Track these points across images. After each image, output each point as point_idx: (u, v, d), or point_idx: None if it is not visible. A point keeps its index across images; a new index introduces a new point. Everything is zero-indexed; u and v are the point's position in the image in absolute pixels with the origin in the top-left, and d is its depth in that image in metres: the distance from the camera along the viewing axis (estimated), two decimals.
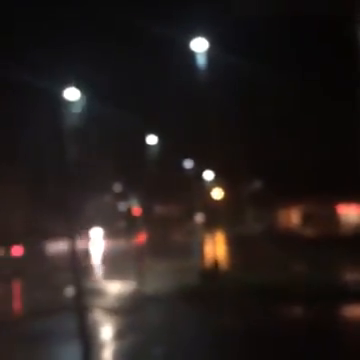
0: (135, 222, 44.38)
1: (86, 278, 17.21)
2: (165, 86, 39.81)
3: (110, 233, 50.52)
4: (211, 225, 31.92)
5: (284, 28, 33.78)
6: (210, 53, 23.48)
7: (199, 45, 23.29)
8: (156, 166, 45.28)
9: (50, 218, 40.71)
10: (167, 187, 55.04)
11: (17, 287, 25.27)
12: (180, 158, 55.69)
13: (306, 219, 43.55)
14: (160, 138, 44.02)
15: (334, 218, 41.93)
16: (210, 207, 37.25)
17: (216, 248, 26.69)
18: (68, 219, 10.42)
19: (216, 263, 23.85)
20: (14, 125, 43.79)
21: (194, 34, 23.26)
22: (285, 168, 39.91)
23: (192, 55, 23.27)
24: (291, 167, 39.52)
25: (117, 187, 55.61)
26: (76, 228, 10.29)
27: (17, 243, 30.37)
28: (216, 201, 43.81)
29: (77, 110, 24.65)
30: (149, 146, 43.62)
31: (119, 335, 14.41)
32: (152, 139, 42.95)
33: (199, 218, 64.74)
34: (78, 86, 24.83)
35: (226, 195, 60.14)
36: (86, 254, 29.35)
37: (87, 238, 40.05)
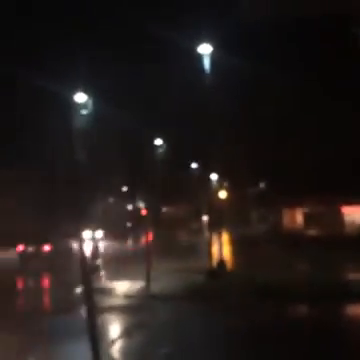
0: (142, 222, 44.60)
1: (95, 277, 17.49)
2: (171, 89, 40.08)
3: (117, 233, 50.75)
4: (216, 225, 32.03)
5: (286, 30, 34.02)
6: (214, 56, 23.69)
7: (203, 49, 23.50)
8: (163, 168, 45.48)
9: (61, 218, 41.17)
10: (173, 188, 55.27)
11: (46, 281, 27.25)
12: (186, 160, 55.94)
13: (310, 219, 43.60)
14: (166, 140, 44.26)
15: (338, 218, 41.96)
16: (215, 208, 37.36)
17: (221, 248, 26.86)
18: (77, 219, 10.68)
19: (222, 263, 24.06)
20: (26, 128, 44.18)
21: (198, 38, 23.50)
22: (289, 169, 40.01)
23: (197, 58, 23.50)
24: (295, 168, 39.63)
25: (124, 188, 55.87)
26: (85, 228, 10.59)
27: (46, 241, 32.34)
28: (221, 202, 43.97)
29: (86, 113, 24.89)
30: (156, 148, 43.85)
31: (127, 333, 14.57)
32: (159, 141, 43.20)
33: (205, 218, 64.93)
34: (87, 90, 25.13)
35: (231, 196, 60.31)
36: (95, 253, 29.93)
37: (94, 238, 40.60)
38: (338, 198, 40.26)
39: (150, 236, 32.44)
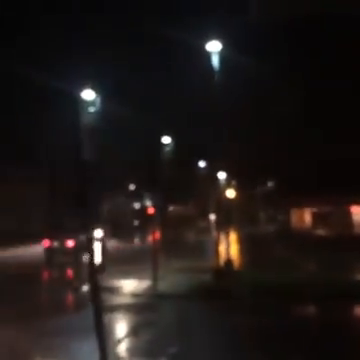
0: (149, 221, 44.57)
1: (102, 275, 17.48)
2: (180, 87, 40.04)
3: (124, 231, 50.74)
4: (224, 225, 31.96)
5: (296, 29, 33.89)
6: (224, 55, 23.60)
7: (212, 46, 23.40)
8: (170, 166, 45.43)
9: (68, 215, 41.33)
10: (181, 187, 55.24)
11: (66, 275, 28.35)
12: (194, 158, 55.89)
13: (318, 219, 43.46)
14: (174, 138, 44.20)
15: (346, 218, 41.80)
16: (223, 207, 37.28)
17: (229, 247, 26.77)
18: (85, 217, 10.60)
19: (229, 262, 23.97)
20: (34, 125, 44.31)
21: (208, 36, 23.40)
22: (297, 168, 39.87)
23: (206, 57, 23.40)
24: (303, 167, 39.49)
25: (132, 186, 55.89)
26: (92, 226, 10.50)
27: (70, 237, 33.48)
28: (229, 201, 43.88)
29: (94, 111, 24.83)
30: (164, 146, 43.79)
31: (134, 332, 14.55)
32: (167, 139, 43.13)
33: (212, 217, 64.88)
34: (95, 87, 25.03)
35: (239, 195, 60.21)
36: (103, 251, 30.21)
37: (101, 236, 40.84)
38: (347, 198, 40.09)
39: (157, 235, 32.37)
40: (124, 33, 37.53)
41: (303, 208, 44.94)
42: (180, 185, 54.62)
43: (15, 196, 51.94)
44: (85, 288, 20.79)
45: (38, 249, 37.12)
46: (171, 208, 63.58)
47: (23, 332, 14.61)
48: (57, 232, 34.41)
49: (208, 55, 23.22)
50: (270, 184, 61.73)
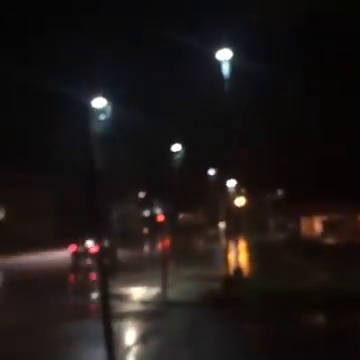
0: (159, 228, 44.63)
1: (112, 283, 17.53)
2: (190, 95, 40.13)
3: (133, 239, 50.77)
4: (234, 233, 31.93)
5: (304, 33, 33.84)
6: (234, 62, 23.64)
7: (223, 54, 23.45)
8: (180, 174, 45.46)
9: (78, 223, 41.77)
10: (190, 194, 55.22)
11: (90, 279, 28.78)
12: (204, 166, 55.90)
13: (328, 227, 43.30)
14: (184, 146, 44.28)
15: (356, 226, 41.63)
16: (233, 215, 37.23)
17: (238, 255, 26.76)
18: (96, 225, 10.65)
19: (238, 270, 23.94)
20: (45, 133, 44.57)
21: (218, 44, 23.46)
22: (307, 176, 39.78)
23: (217, 64, 23.45)
24: (313, 175, 39.40)
25: (142, 194, 55.94)
26: (103, 234, 10.56)
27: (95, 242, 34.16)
28: (239, 209, 43.83)
29: (104, 119, 25.00)
30: (174, 154, 43.87)
31: (143, 340, 14.56)
32: (177, 147, 43.22)
33: (222, 225, 64.80)
34: (105, 95, 25.21)
35: (249, 203, 60.13)
36: (113, 258, 30.76)
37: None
38: (357, 206, 39.96)
39: (167, 242, 32.43)
40: (136, 42, 37.73)
41: (313, 216, 44.83)
42: (190, 193, 54.59)
43: (26, 203, 52.17)
44: (95, 295, 20.87)
45: (57, 254, 38.41)
46: (181, 216, 63.58)
47: (36, 337, 14.73)
48: (84, 237, 35.74)
49: (218, 63, 23.25)
50: (280, 192, 61.61)
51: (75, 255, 35.21)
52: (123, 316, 17.21)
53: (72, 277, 30.69)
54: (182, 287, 22.44)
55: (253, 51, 31.50)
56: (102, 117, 25.31)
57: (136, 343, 14.30)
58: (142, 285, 23.58)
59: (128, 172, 46.02)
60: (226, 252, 26.27)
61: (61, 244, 50.97)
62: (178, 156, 44.67)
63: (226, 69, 23.41)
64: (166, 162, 44.36)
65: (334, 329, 15.12)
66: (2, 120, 48.29)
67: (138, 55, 39.54)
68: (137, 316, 17.87)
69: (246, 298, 18.49)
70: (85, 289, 23.96)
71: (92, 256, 33.49)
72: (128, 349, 13.37)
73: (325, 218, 44.37)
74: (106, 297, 10.59)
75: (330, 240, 41.42)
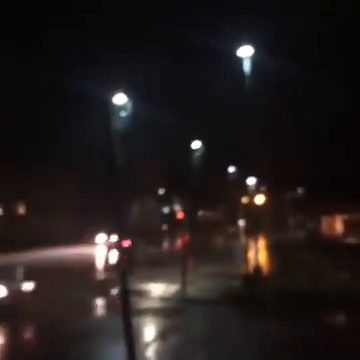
0: (178, 225, 44.67)
1: (132, 279, 17.57)
2: (211, 92, 40.05)
3: (153, 235, 50.81)
4: (253, 231, 31.81)
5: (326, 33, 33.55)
6: (256, 59, 23.52)
7: (244, 51, 23.34)
8: (200, 171, 45.40)
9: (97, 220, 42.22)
10: (210, 192, 55.15)
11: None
12: (223, 163, 55.77)
13: (349, 227, 42.89)
14: (204, 143, 44.20)
15: None
16: (252, 213, 37.10)
17: (258, 253, 26.63)
18: (116, 221, 10.64)
19: (258, 268, 23.84)
20: (66, 130, 44.84)
21: (239, 41, 23.37)
22: (328, 175, 39.46)
23: (237, 61, 23.34)
24: (335, 174, 39.08)
25: (161, 191, 56.01)
26: (123, 230, 10.58)
27: (126, 237, 35.49)
28: (258, 207, 43.64)
29: (125, 115, 25.04)
30: (194, 151, 43.82)
31: (162, 336, 14.59)
32: (197, 144, 43.17)
33: (241, 223, 64.61)
34: (126, 91, 25.24)
35: (268, 201, 59.84)
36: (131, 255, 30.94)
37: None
38: None
39: (186, 240, 32.38)
40: (156, 38, 37.72)
41: (334, 215, 44.46)
42: (209, 190, 54.52)
43: (47, 199, 52.53)
44: (115, 291, 20.91)
45: (78, 250, 38.82)
46: (200, 213, 63.56)
47: (56, 331, 14.85)
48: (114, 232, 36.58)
49: (240, 60, 23.15)
50: (300, 190, 61.26)
51: (109, 249, 36.63)
52: (142, 312, 17.24)
53: (104, 270, 31.15)
54: (201, 284, 22.43)
55: (275, 48, 31.34)
56: (123, 114, 25.36)
57: (155, 340, 14.32)
58: (161, 282, 23.59)
59: (148, 169, 46.07)
60: (246, 250, 26.19)
61: (81, 239, 51.37)
62: (198, 153, 44.62)
63: (247, 66, 23.28)
64: (186, 159, 44.34)
65: (353, 329, 15.00)
66: (23, 117, 48.71)
67: (159, 52, 39.61)
68: (156, 313, 17.89)
69: (265, 296, 18.41)
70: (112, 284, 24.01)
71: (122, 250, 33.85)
72: (147, 345, 13.40)
73: (346, 217, 43.94)
74: (126, 293, 10.59)
75: (351, 240, 41.01)
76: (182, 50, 40.00)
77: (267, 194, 58.96)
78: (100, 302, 20.82)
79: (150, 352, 12.99)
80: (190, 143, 42.58)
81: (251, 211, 37.09)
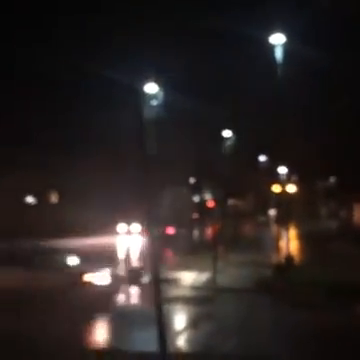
0: (208, 214, 44.68)
1: (163, 267, 17.67)
2: (243, 80, 39.77)
3: (184, 224, 50.91)
4: (284, 220, 31.66)
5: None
6: (288, 47, 23.31)
7: (277, 39, 23.15)
8: (231, 160, 45.24)
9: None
10: (241, 181, 54.95)
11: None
12: (254, 152, 55.46)
13: None
14: (235, 132, 44.00)
15: None
16: (283, 202, 36.87)
17: (289, 243, 26.52)
18: (148, 209, 10.69)
19: (289, 257, 23.75)
20: (97, 119, 45.10)
21: (272, 29, 23.15)
22: None
23: (270, 50, 23.16)
24: None
25: (192, 179, 55.96)
26: (154, 218, 10.62)
27: (170, 225, 39.67)
28: (290, 196, 43.35)
29: (156, 104, 25.12)
30: (224, 139, 43.67)
31: (193, 324, 14.66)
32: (227, 133, 42.98)
33: (272, 212, 64.29)
34: (158, 80, 25.27)
35: (300, 190, 59.38)
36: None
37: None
38: None
39: (216, 228, 32.41)
40: (187, 26, 37.52)
41: None
42: (240, 179, 54.29)
43: (79, 188, 52.95)
44: (147, 279, 21.02)
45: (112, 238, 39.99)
46: (230, 202, 63.38)
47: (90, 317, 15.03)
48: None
49: (272, 48, 22.96)
50: (332, 179, 60.60)
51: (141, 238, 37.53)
52: (174, 301, 17.30)
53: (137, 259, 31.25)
54: (232, 273, 22.46)
55: (308, 36, 30.92)
56: (154, 102, 25.42)
57: (186, 328, 14.40)
58: (192, 270, 23.66)
59: (179, 158, 46.07)
60: (277, 239, 26.09)
61: (114, 228, 51.66)
62: (229, 142, 44.43)
63: (279, 53, 23.10)
64: (217, 148, 44.21)
65: None
66: (54, 106, 49.06)
67: (191, 40, 39.40)
68: (188, 301, 17.96)
69: (296, 286, 18.35)
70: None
71: (169, 238, 36.06)
72: (179, 333, 13.48)
73: None
74: (158, 282, 10.65)
75: None
76: (213, 37, 39.68)
77: (298, 183, 58.50)
78: (132, 290, 20.98)
79: (181, 340, 13.05)
80: (221, 132, 42.43)
81: (282, 200, 36.83)
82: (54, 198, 58.98)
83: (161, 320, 9.95)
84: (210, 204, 46.82)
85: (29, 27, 42.59)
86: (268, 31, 23.43)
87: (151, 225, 10.85)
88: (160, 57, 30.87)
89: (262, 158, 58.92)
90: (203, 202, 53.69)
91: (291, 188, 48.85)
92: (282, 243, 26.34)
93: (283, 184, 40.92)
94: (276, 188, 47.71)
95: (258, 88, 38.19)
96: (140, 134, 11.43)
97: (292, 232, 37.81)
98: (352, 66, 34.23)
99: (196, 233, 51.15)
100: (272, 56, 23.07)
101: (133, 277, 22.51)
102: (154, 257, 10.83)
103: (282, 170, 43.57)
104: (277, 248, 25.10)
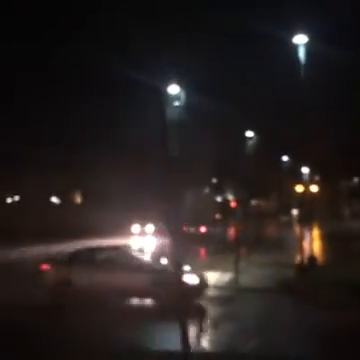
0: (231, 214, 44.67)
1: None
2: (265, 81, 39.73)
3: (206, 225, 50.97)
4: (307, 220, 31.53)
5: None
6: (310, 48, 23.24)
7: (300, 39, 23.10)
8: (253, 160, 45.22)
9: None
10: (263, 181, 54.85)
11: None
12: (277, 152, 55.35)
13: None
14: (258, 132, 43.96)
15: None
16: (306, 202, 36.69)
17: (312, 243, 26.42)
18: (169, 210, 10.77)
19: (312, 258, 23.67)
20: (120, 121, 45.38)
21: (294, 29, 23.11)
22: None
23: (293, 50, 23.12)
24: None
25: (214, 179, 56.05)
26: (176, 219, 10.68)
27: (203, 224, 41.39)
28: (312, 196, 43.12)
29: (178, 105, 25.26)
30: (247, 140, 43.67)
31: (215, 324, 14.70)
32: (250, 133, 42.97)
33: (295, 212, 63.99)
34: (180, 82, 25.40)
35: (322, 191, 59.05)
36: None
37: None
38: None
39: (239, 228, 32.36)
40: (208, 28, 37.60)
41: None
42: (262, 179, 54.21)
43: (103, 188, 53.25)
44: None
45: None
46: (253, 202, 63.30)
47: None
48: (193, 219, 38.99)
49: (295, 48, 22.92)
50: (356, 179, 60.16)
51: (185, 235, 37.89)
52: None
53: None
54: (255, 273, 22.45)
55: (331, 36, 30.78)
56: (176, 103, 25.54)
57: (209, 328, 14.44)
58: (215, 270, 23.69)
59: (201, 158, 46.17)
60: (300, 239, 25.97)
61: (129, 229, 51.64)
62: (251, 142, 44.40)
63: (302, 54, 23.04)
64: (239, 148, 44.23)
65: None
66: (79, 107, 49.47)
67: (212, 41, 39.48)
68: (210, 301, 17.98)
69: (320, 286, 18.28)
70: None
71: (201, 236, 37.40)
72: (201, 333, 13.54)
73: None
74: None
75: None
76: (235, 37, 39.72)
77: (321, 183, 58.19)
78: None
79: (203, 340, 13.11)
80: (244, 132, 42.43)
81: (305, 200, 36.64)
82: (78, 198, 59.46)
83: (183, 320, 10.04)
84: (233, 204, 46.75)
85: (54, 27, 43.04)
86: (291, 31, 23.40)
87: (172, 225, 10.93)
88: (182, 58, 30.97)
89: (285, 158, 58.74)
90: (226, 202, 53.70)
91: (314, 188, 48.60)
92: (305, 243, 26.22)
93: (306, 184, 40.72)
94: (299, 188, 47.44)
95: (281, 88, 38.13)
96: (163, 135, 11.54)
97: (315, 232, 37.64)
98: None
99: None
100: (295, 56, 23.03)
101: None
102: (177, 257, 10.90)
103: (305, 170, 43.38)
104: (300, 248, 24.97)
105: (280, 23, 28.08)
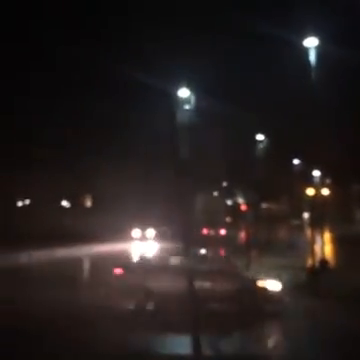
0: (241, 217, 44.68)
1: None
2: (275, 84, 39.70)
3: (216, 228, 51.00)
4: (318, 223, 31.43)
5: None
6: (321, 50, 23.21)
7: (309, 42, 23.09)
8: (264, 163, 45.14)
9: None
10: (274, 184, 54.72)
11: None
12: (288, 155, 55.20)
13: None
14: (268, 135, 43.86)
15: None
16: (317, 205, 36.58)
17: (324, 246, 26.30)
18: (182, 214, 10.79)
19: (324, 261, 23.58)
20: (131, 124, 45.51)
21: (304, 32, 23.10)
22: None
23: (303, 53, 23.09)
24: None
25: (224, 183, 56.01)
26: (188, 223, 10.69)
27: (223, 226, 44.11)
28: (324, 199, 42.99)
29: (188, 108, 25.31)
30: (257, 143, 43.59)
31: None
32: (260, 136, 42.88)
33: (306, 216, 63.75)
34: (189, 85, 25.43)
35: (334, 194, 58.80)
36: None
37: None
38: None
39: (249, 232, 32.32)
40: (219, 31, 37.66)
41: None
42: (273, 182, 54.08)
43: (113, 192, 53.32)
44: None
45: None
46: (264, 205, 63.11)
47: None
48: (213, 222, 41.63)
49: (305, 51, 22.89)
50: None
51: (206, 237, 39.13)
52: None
53: None
54: (266, 276, 22.34)
55: (342, 38, 30.70)
56: (186, 106, 25.58)
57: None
58: None
59: (212, 161, 46.14)
60: (311, 243, 25.87)
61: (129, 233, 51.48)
62: (262, 145, 44.30)
63: (313, 56, 23.01)
64: (250, 151, 44.14)
65: None
66: (89, 111, 49.64)
67: (222, 46, 39.51)
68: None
69: (331, 290, 18.21)
70: None
71: (221, 238, 38.62)
72: (213, 336, 13.51)
73: None
74: (192, 285, 10.74)
75: None
76: (245, 40, 39.71)
77: (332, 187, 57.95)
78: None
79: (215, 343, 13.09)
80: (254, 135, 42.34)
81: (316, 203, 36.53)
82: (88, 202, 59.53)
83: (196, 323, 10.04)
84: (243, 207, 46.63)
85: (64, 29, 43.23)
86: (302, 34, 23.38)
87: (184, 228, 10.92)
88: (192, 61, 31.05)
89: (296, 161, 58.57)
90: (236, 205, 53.65)
91: (325, 191, 48.44)
92: (316, 247, 26.13)
93: (317, 187, 40.61)
94: (310, 191, 47.30)
95: (292, 91, 38.05)
96: (173, 138, 11.54)
97: (326, 236, 37.48)
98: None
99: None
100: (306, 59, 23.00)
101: None
102: (188, 259, 10.89)
103: (316, 173, 43.28)
104: (311, 252, 24.88)
105: (291, 26, 28.05)
